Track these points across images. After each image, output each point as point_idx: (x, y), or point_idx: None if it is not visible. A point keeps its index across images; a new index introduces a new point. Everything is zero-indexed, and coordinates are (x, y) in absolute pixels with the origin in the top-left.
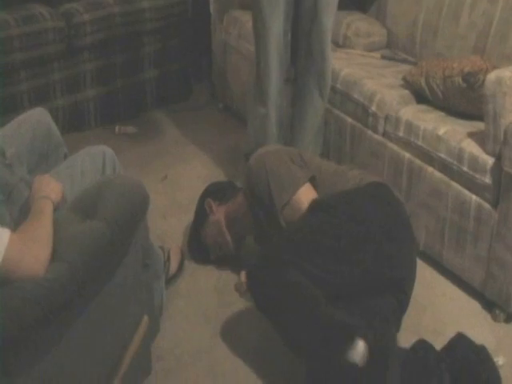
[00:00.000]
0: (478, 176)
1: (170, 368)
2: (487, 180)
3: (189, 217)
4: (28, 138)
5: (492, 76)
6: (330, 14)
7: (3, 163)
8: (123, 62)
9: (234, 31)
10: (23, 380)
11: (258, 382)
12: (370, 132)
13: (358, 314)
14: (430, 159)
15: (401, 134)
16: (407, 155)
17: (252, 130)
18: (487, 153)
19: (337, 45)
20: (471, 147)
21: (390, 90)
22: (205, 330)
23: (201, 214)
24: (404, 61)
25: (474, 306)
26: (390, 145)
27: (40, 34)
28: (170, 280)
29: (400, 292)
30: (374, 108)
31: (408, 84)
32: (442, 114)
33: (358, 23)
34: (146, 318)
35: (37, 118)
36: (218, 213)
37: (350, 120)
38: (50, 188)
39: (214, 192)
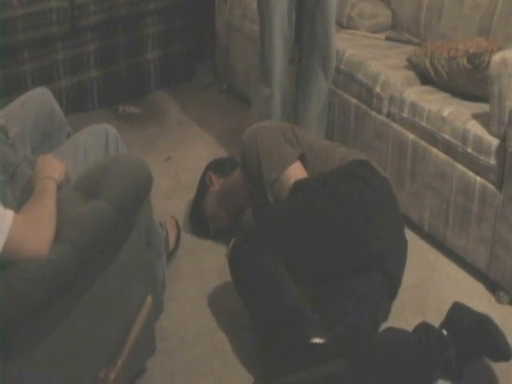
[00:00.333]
0: (482, 157)
1: (173, 348)
2: (492, 161)
3: (192, 197)
4: (31, 118)
5: (497, 57)
6: None
7: (6, 143)
8: (127, 43)
9: (238, 11)
10: (27, 360)
11: (262, 362)
12: (374, 113)
13: (345, 297)
14: (434, 140)
15: (405, 115)
16: (411, 136)
17: (256, 111)
18: (492, 134)
19: (341, 26)
20: (476, 128)
21: (395, 71)
22: (208, 310)
23: (202, 187)
24: (408, 42)
25: (478, 287)
26: (395, 126)
27: (43, 14)
28: (170, 256)
29: (386, 270)
30: (378, 89)
31: (412, 65)
32: (447, 95)
33: (363, 4)
34: (149, 298)
35: (40, 98)
36: (217, 185)
37: (354, 101)
38: (54, 168)
39: (216, 166)
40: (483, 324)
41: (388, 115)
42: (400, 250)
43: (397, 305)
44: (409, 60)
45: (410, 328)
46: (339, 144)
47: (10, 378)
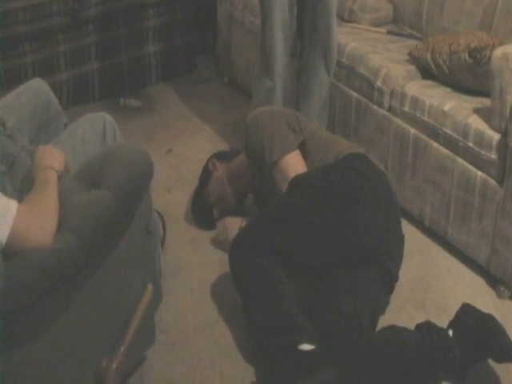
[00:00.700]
0: (483, 152)
1: (174, 341)
2: (493, 156)
3: (193, 190)
4: (28, 108)
5: (498, 52)
6: None
7: (4, 134)
8: (127, 35)
9: (240, 4)
10: (31, 348)
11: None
12: (375, 107)
13: (343, 290)
14: (435, 135)
15: (406, 109)
16: (412, 130)
17: (257, 104)
18: (493, 129)
19: (342, 19)
20: (477, 123)
21: (396, 65)
22: (209, 303)
23: (205, 175)
24: (410, 36)
25: (479, 282)
26: (396, 120)
27: (44, 6)
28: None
29: (383, 264)
30: (379, 83)
31: (414, 59)
32: (448, 89)
33: None
34: (150, 287)
35: (36, 88)
36: (221, 169)
37: (355, 95)
38: (53, 158)
39: (218, 155)
40: (488, 324)
41: (389, 109)
42: (398, 244)
43: (397, 299)
44: (410, 54)
45: (411, 323)
46: (340, 136)
47: (13, 366)
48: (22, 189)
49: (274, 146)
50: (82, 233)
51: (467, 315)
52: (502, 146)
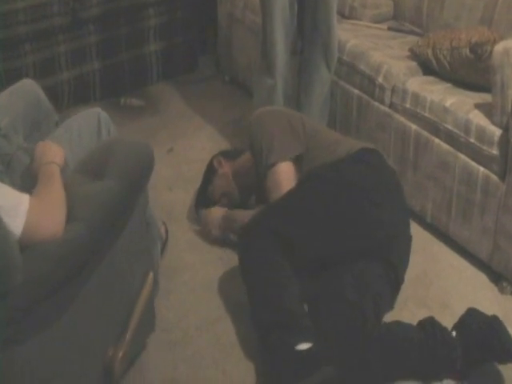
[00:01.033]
0: (485, 148)
1: (176, 340)
2: (494, 152)
3: (195, 189)
4: (21, 107)
5: (499, 47)
6: None
7: None
8: (128, 34)
9: (240, 3)
10: (40, 340)
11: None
12: (376, 103)
13: (348, 282)
14: (436, 131)
15: (407, 105)
16: (414, 127)
17: (258, 102)
18: (494, 124)
19: (343, 16)
20: (478, 118)
21: (397, 61)
22: (211, 302)
23: (209, 172)
24: (411, 32)
25: (481, 278)
26: (397, 116)
27: (45, 6)
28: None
29: (390, 261)
30: (380, 79)
31: (415, 55)
32: (449, 85)
33: None
34: (151, 274)
35: (26, 88)
36: (227, 167)
37: (356, 91)
38: (54, 153)
39: (223, 153)
40: (492, 325)
41: (390, 106)
42: (405, 244)
43: (400, 295)
44: (411, 50)
45: (413, 320)
46: (347, 137)
47: (23, 358)
48: (24, 186)
49: (271, 150)
50: (91, 222)
51: (471, 318)
52: (503, 142)
